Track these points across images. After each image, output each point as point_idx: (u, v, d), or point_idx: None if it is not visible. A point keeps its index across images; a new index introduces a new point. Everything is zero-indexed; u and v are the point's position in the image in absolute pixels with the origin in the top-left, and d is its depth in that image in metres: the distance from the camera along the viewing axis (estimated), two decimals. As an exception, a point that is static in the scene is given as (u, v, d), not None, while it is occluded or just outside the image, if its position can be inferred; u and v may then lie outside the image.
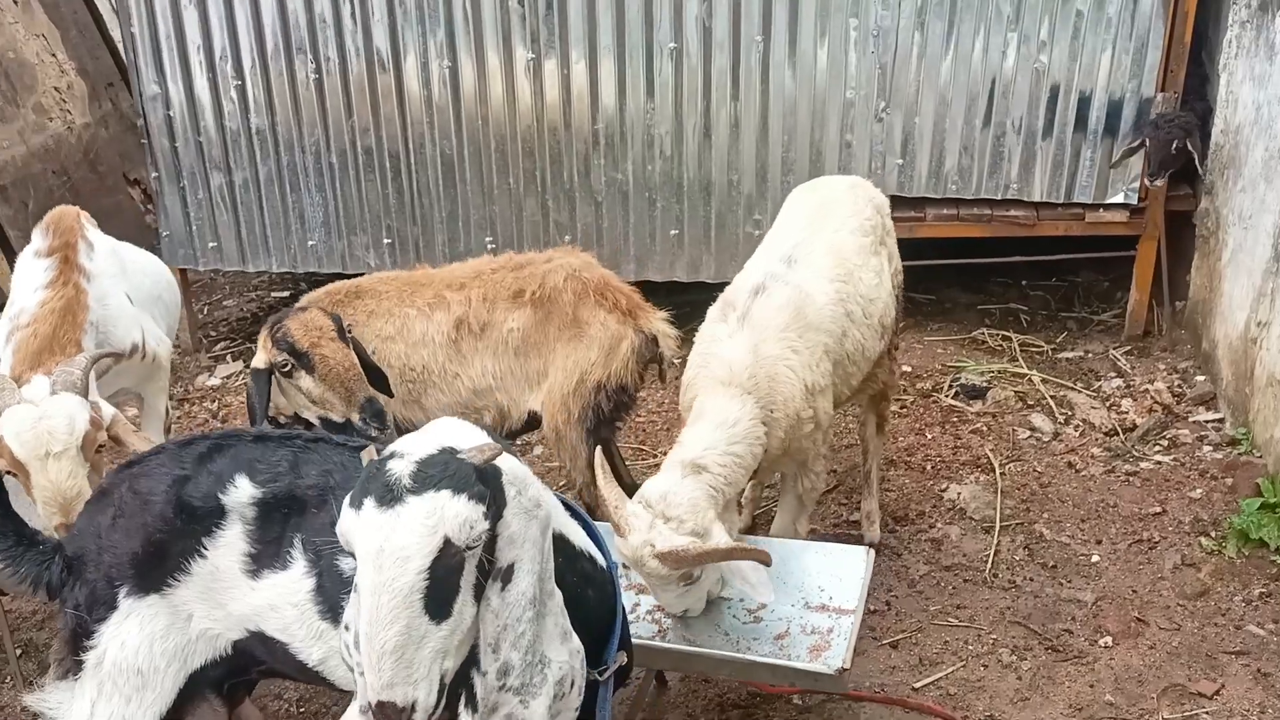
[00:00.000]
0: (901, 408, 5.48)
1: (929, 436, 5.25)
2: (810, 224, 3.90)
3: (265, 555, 2.49)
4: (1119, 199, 5.69)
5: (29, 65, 8.03)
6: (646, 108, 5.85)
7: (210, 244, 6.47)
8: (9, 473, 3.06)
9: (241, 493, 2.49)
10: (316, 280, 7.69)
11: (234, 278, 8.19)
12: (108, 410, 3.26)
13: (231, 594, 2.52)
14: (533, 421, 3.92)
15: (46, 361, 3.35)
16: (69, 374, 3.18)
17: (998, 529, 4.50)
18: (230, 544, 2.50)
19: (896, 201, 5.86)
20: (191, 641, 2.55)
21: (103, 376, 3.71)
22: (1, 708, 3.98)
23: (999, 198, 5.81)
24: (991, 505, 4.63)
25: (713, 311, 3.65)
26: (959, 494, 4.73)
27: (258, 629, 2.53)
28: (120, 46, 7.40)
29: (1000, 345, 6.03)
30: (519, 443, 5.45)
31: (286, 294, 7.87)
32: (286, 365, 3.44)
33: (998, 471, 4.85)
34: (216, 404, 6.14)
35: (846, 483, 4.94)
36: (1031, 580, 4.21)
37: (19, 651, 4.13)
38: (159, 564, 2.50)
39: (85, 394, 3.17)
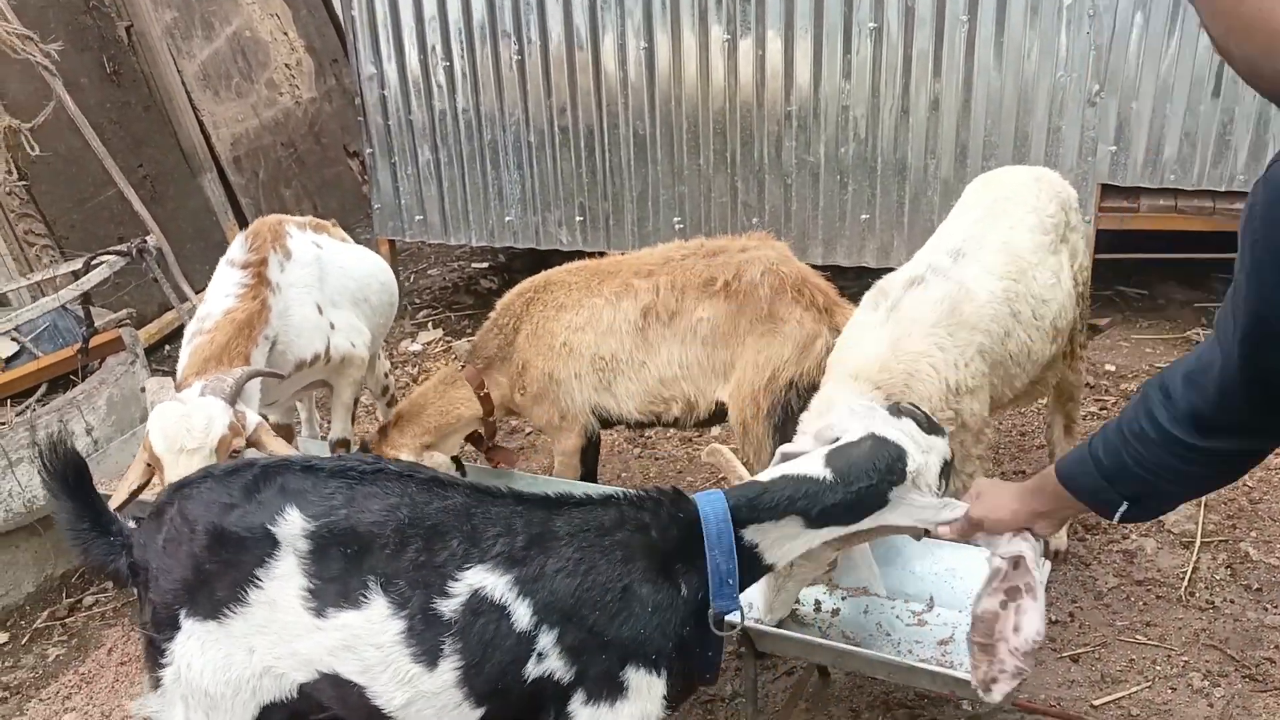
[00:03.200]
0: (1102, 409, 5.21)
1: (1128, 441, 4.96)
2: (985, 217, 3.73)
3: (328, 593, 2.37)
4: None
5: (263, 43, 8.66)
6: (842, 88, 5.74)
7: (417, 216, 6.81)
8: (150, 465, 3.25)
9: (293, 525, 2.37)
10: (513, 254, 8.02)
11: (439, 248, 8.60)
12: (252, 418, 3.38)
13: (295, 631, 2.40)
14: (721, 413, 3.92)
15: (213, 369, 3.47)
16: (221, 382, 3.33)
17: (1198, 545, 4.22)
18: (286, 577, 2.38)
19: (1108, 191, 5.58)
20: (256, 675, 2.44)
21: (289, 378, 3.91)
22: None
23: (1223, 189, 5.39)
24: (1193, 519, 4.34)
25: (867, 297, 3.52)
26: (1157, 505, 4.45)
27: (331, 671, 2.41)
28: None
29: (1216, 347, 5.60)
30: (700, 434, 5.53)
31: (486, 265, 8.21)
32: None
33: (1202, 483, 4.54)
34: (416, 369, 6.48)
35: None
36: (1232, 602, 3.93)
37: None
38: (211, 593, 2.42)
39: (233, 402, 3.31)
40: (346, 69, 9.15)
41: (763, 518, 2.51)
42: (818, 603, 3.48)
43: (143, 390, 4.40)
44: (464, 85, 6.38)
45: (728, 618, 2.51)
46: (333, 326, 4.04)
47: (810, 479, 2.54)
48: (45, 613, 4.61)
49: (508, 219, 6.63)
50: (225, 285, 3.78)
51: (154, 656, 2.53)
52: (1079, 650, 3.81)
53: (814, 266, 4.08)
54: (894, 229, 5.94)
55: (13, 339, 5.16)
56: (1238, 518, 4.36)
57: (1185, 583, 4.05)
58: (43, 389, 5.01)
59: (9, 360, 5.09)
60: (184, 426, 3.18)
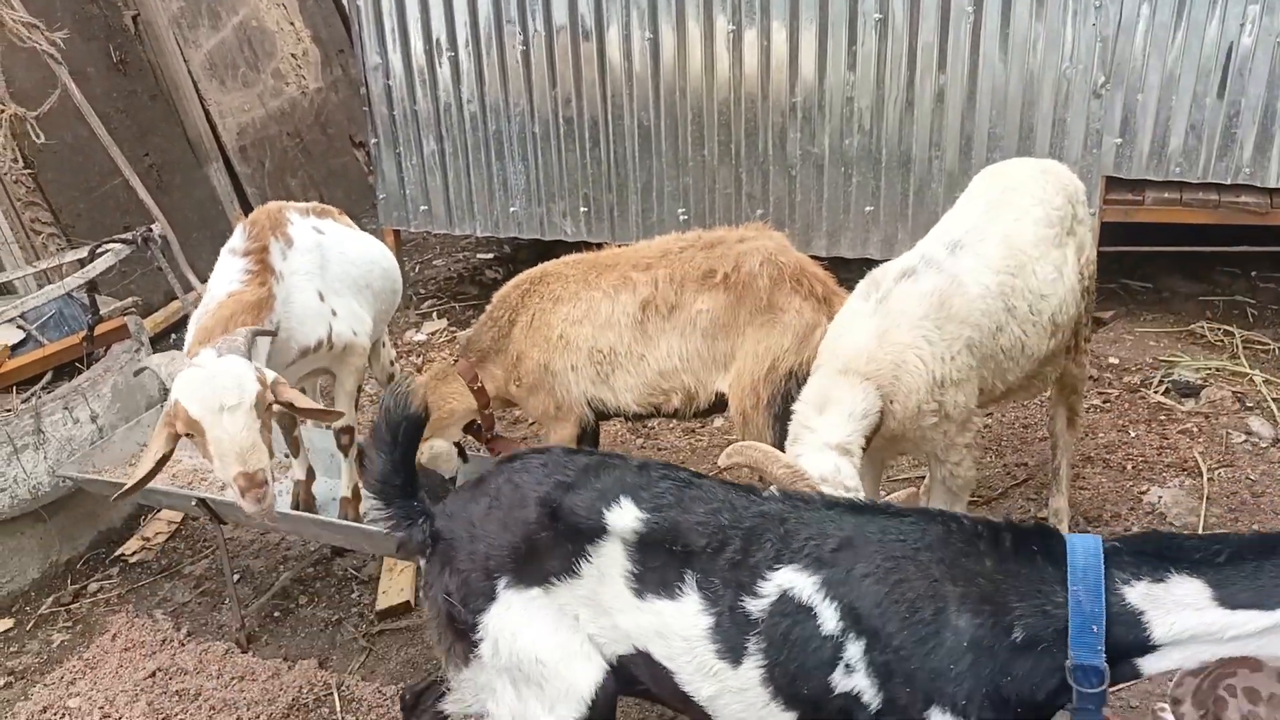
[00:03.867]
0: (1105, 402, 5.21)
1: (1132, 434, 4.97)
2: (989, 209, 3.72)
3: (649, 579, 2.44)
4: (1368, 187, 5.17)
5: (270, 33, 8.67)
6: (847, 79, 5.74)
7: (422, 207, 6.82)
8: (186, 435, 3.26)
9: (626, 514, 2.44)
10: (518, 245, 8.02)
11: (444, 239, 8.61)
12: (268, 373, 3.39)
13: (617, 604, 2.47)
14: (720, 403, 3.94)
15: (218, 340, 3.47)
16: (232, 341, 3.35)
17: (1199, 538, 4.22)
18: (612, 557, 2.46)
19: (1113, 183, 5.57)
20: (585, 641, 2.52)
21: (292, 364, 3.91)
22: (220, 626, 4.40)
23: (1228, 182, 5.37)
24: (1195, 512, 4.35)
25: (860, 286, 3.54)
26: (1160, 497, 4.46)
27: (645, 649, 2.48)
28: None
29: (1220, 340, 5.61)
30: (701, 424, 5.54)
31: (491, 256, 8.21)
32: None
33: (1205, 476, 4.54)
34: (420, 359, 6.50)
35: (1037, 477, 4.74)
36: None
37: (236, 577, 4.55)
38: (540, 561, 2.49)
39: (248, 359, 3.33)
40: (352, 59, 9.15)
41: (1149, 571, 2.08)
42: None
43: (139, 373, 4.39)
44: (469, 76, 6.38)
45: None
46: (334, 313, 4.02)
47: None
48: (50, 599, 4.64)
49: (512, 210, 6.64)
50: (229, 273, 3.77)
51: (459, 632, 2.57)
52: (1079, 642, 3.81)
53: (817, 258, 4.09)
54: (898, 221, 5.93)
55: (19, 326, 5.18)
56: (1240, 510, 4.36)
57: (1186, 576, 4.04)
58: (48, 376, 5.03)
59: (15, 347, 5.11)
60: (216, 387, 3.19)
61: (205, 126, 7.85)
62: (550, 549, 2.48)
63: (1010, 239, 3.62)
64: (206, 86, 7.93)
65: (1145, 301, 6.04)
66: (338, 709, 3.88)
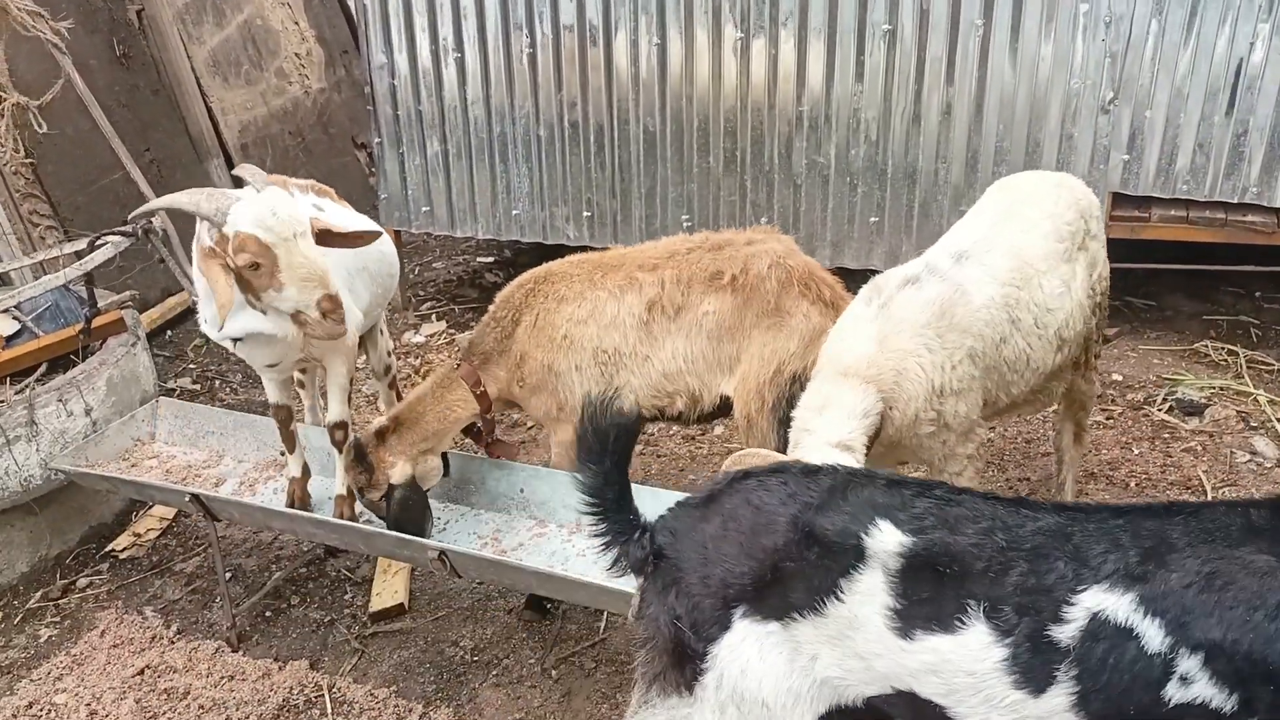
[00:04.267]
0: (1108, 418, 5.18)
1: (1135, 451, 4.93)
2: (998, 221, 3.69)
3: (917, 613, 2.22)
4: (1376, 209, 5.16)
5: (274, 32, 8.63)
6: (854, 90, 5.72)
7: (424, 208, 6.78)
8: (251, 266, 3.19)
9: (887, 539, 2.23)
10: (519, 249, 7.98)
11: (444, 241, 8.57)
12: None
13: (874, 649, 2.25)
14: (725, 407, 3.90)
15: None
16: (258, 176, 3.30)
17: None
18: (870, 593, 2.24)
19: (1119, 200, 5.56)
20: (815, 685, 2.31)
21: (286, 343, 3.79)
22: (210, 625, 4.34)
23: (1235, 201, 5.36)
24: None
25: (862, 291, 3.51)
26: (1162, 515, 4.42)
27: (908, 689, 2.27)
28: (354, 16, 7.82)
29: (1224, 360, 5.59)
30: (703, 431, 5.49)
31: (491, 259, 8.17)
32: None
33: (1209, 495, 4.51)
34: (419, 360, 6.45)
35: (1040, 492, 4.71)
36: None
37: (228, 575, 4.49)
38: (782, 593, 2.28)
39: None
40: (356, 60, 9.13)
41: None
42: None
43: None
44: (475, 77, 6.35)
45: None
46: None
47: None
48: (38, 593, 4.57)
49: (515, 213, 6.60)
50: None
51: (681, 658, 2.37)
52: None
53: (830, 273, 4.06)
54: (903, 233, 5.91)
55: (14, 318, 5.12)
56: (1244, 530, 4.32)
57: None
58: (42, 368, 4.98)
59: (9, 339, 5.05)
60: (283, 215, 3.20)
61: (207, 123, 7.81)
62: (796, 579, 2.27)
63: (1018, 251, 3.58)
64: (209, 83, 7.88)
65: (1149, 319, 6.02)
66: (329, 711, 3.82)
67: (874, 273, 5.75)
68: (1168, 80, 5.26)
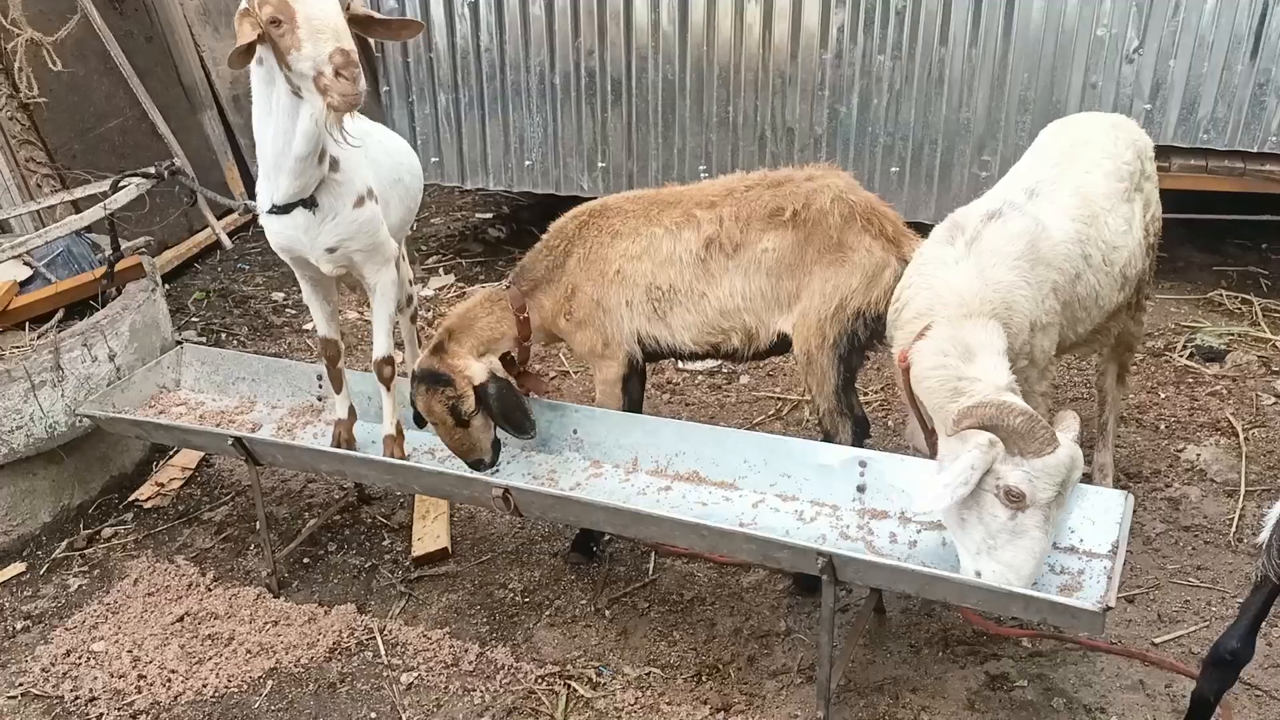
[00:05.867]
0: (1131, 365, 5.23)
1: (1162, 396, 5.00)
2: (1060, 162, 3.69)
3: None
4: (1393, 158, 5.25)
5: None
6: (879, 40, 5.69)
7: (433, 159, 6.66)
8: (273, 22, 3.10)
9: None
10: (518, 205, 7.89)
11: (440, 198, 8.46)
12: None
13: None
14: (782, 344, 3.87)
15: None
16: None
17: (1242, 493, 4.26)
18: None
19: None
20: None
21: (333, 249, 3.75)
22: (248, 572, 4.25)
23: (1255, 150, 5.43)
24: (1234, 469, 4.39)
25: (938, 232, 3.45)
26: (1198, 455, 4.49)
27: None
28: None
29: (1239, 309, 5.68)
30: (725, 369, 5.48)
31: (490, 215, 8.07)
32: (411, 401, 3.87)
33: (1241, 436, 4.59)
34: (431, 313, 6.35)
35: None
36: (1281, 548, 3.97)
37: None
38: None
39: None
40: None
41: None
42: (893, 534, 3.45)
43: None
44: (489, 23, 6.23)
45: None
46: (371, 192, 3.83)
47: None
48: (63, 543, 4.45)
49: (527, 164, 6.51)
50: None
51: None
52: (1133, 591, 3.82)
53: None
54: (925, 184, 5.91)
55: (25, 263, 4.95)
56: (1279, 468, 4.40)
57: (1233, 529, 4.08)
58: (59, 315, 4.83)
59: (23, 285, 4.89)
60: None
61: (200, 73, 7.60)
62: None
63: (1082, 190, 3.59)
64: (200, 32, 7.67)
65: (1161, 270, 6.06)
66: (382, 652, 3.76)
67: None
68: (1191, 30, 5.30)
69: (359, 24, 3.31)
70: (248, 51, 3.20)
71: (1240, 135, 5.41)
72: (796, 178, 3.80)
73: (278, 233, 3.72)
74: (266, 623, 3.97)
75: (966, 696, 3.41)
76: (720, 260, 3.77)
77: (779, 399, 5.26)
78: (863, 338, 3.70)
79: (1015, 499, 2.84)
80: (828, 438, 3.82)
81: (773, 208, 3.73)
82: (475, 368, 3.75)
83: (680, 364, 5.49)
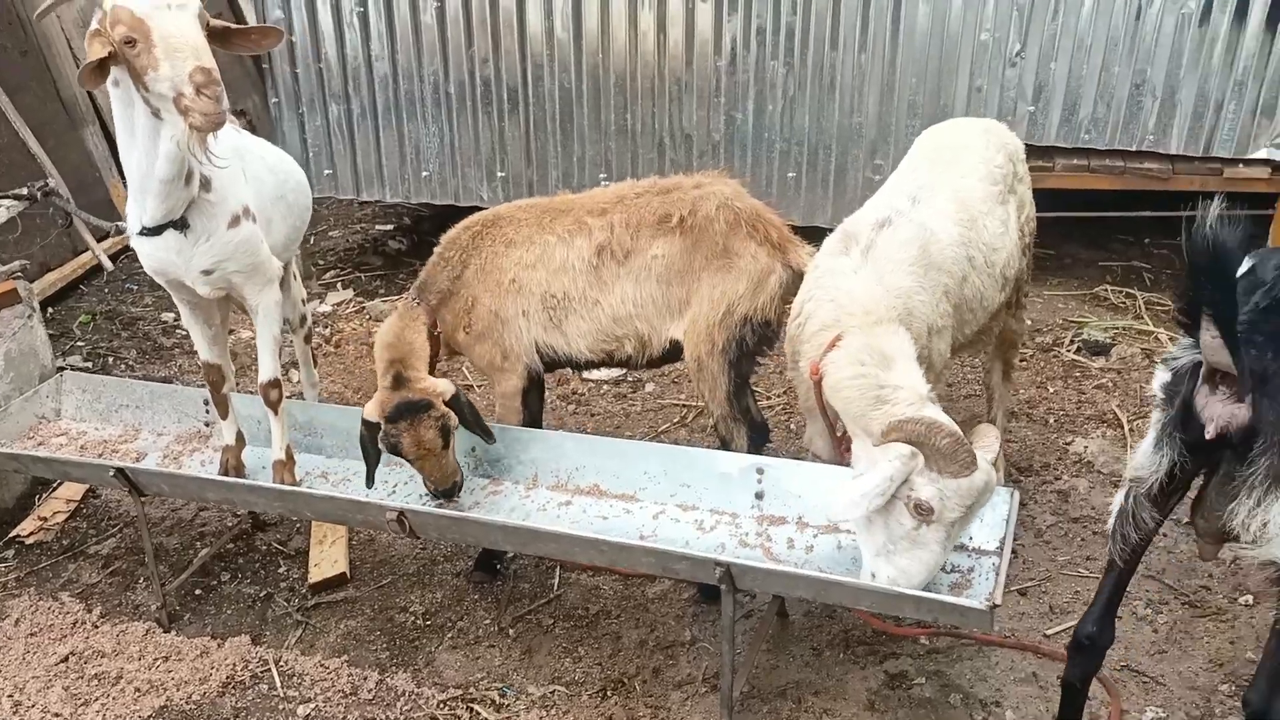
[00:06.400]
0: (1020, 361, 5.35)
1: (1051, 390, 5.14)
2: (935, 168, 3.77)
3: None
4: (1262, 154, 5.47)
5: (147, -7, 8.14)
6: (771, 48, 5.74)
7: (326, 171, 6.52)
8: (127, 42, 2.98)
9: None
10: (419, 216, 7.77)
11: (338, 210, 8.29)
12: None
13: None
14: (674, 352, 3.87)
15: None
16: None
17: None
18: None
19: (1026, 151, 5.73)
20: None
21: (209, 271, 3.63)
22: (136, 606, 4.10)
23: (1134, 149, 5.61)
24: (1120, 459, 4.52)
25: (830, 243, 3.47)
26: (1085, 447, 4.62)
27: None
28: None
29: (1123, 303, 5.86)
30: (631, 378, 5.47)
31: (390, 226, 7.94)
32: (391, 442, 3.65)
33: (1126, 427, 4.73)
34: (329, 329, 6.21)
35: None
36: (1165, 536, 4.10)
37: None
38: None
39: None
40: (232, 21, 8.71)
41: None
42: (790, 540, 3.47)
43: None
44: (379, 33, 6.12)
45: None
46: (248, 211, 3.69)
47: None
48: (-62, 585, 4.24)
49: (424, 175, 6.42)
50: None
51: None
52: (1025, 584, 3.91)
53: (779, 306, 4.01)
54: (820, 189, 5.98)
55: (-113, 291, 4.70)
56: (1161, 458, 4.55)
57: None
58: (-74, 345, 4.59)
59: (-115, 314, 4.63)
60: None
61: (80, 87, 7.32)
62: None
63: (960, 194, 3.67)
64: (80, 45, 7.38)
65: (1049, 267, 6.27)
66: (278, 684, 3.66)
67: (794, 228, 5.85)
68: (1070, 33, 5.46)
69: (216, 38, 3.19)
70: (99, 70, 3.06)
71: (1120, 135, 5.59)
72: (685, 185, 3.82)
73: (149, 255, 3.60)
74: (156, 659, 3.82)
75: (867, 697, 3.44)
76: (612, 267, 3.77)
77: (684, 406, 5.26)
78: (751, 343, 3.73)
79: (924, 512, 2.88)
80: (724, 444, 3.83)
81: (661, 214, 3.74)
82: (441, 384, 3.66)
83: (583, 374, 5.46)
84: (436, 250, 3.92)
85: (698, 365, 3.77)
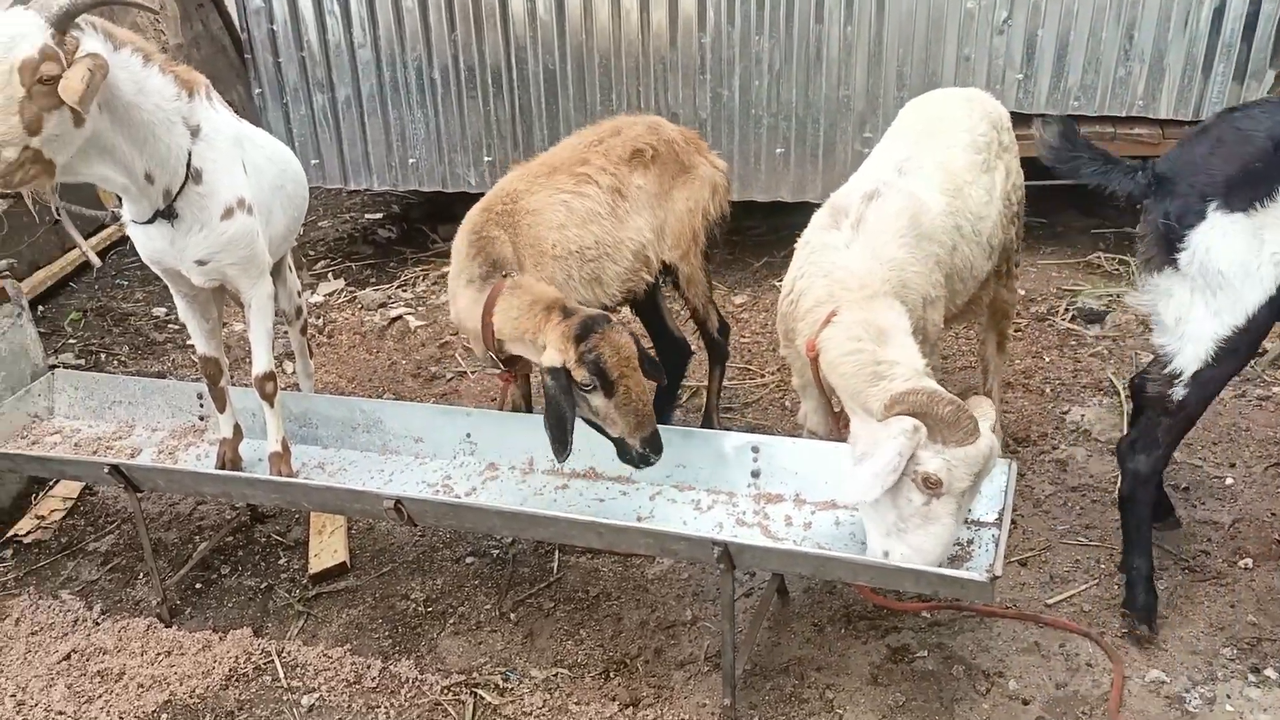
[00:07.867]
0: (1015, 331, 5.35)
1: (1046, 360, 5.13)
2: (920, 139, 3.75)
3: None
4: (1252, 116, 5.44)
5: (126, -15, 8.07)
6: (756, 22, 5.70)
7: (312, 161, 6.48)
8: None
9: None
10: (408, 203, 7.74)
11: (327, 200, 8.25)
12: (90, 44, 2.97)
13: None
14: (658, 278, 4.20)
15: None
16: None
17: (1125, 451, 4.38)
18: None
19: (1014, 119, 5.68)
20: (1264, 265, 2.99)
21: (204, 262, 3.56)
22: (137, 602, 4.09)
23: (1123, 115, 5.59)
24: (1117, 427, 4.52)
25: (820, 218, 3.45)
26: (1082, 416, 4.62)
27: None
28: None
29: (1117, 269, 5.85)
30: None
31: (380, 215, 7.90)
32: (590, 385, 3.29)
33: (1123, 395, 4.73)
34: (321, 319, 6.19)
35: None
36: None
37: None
38: (1249, 188, 2.96)
39: (62, 26, 2.89)
40: (214, 15, 8.63)
41: None
42: (788, 517, 3.47)
43: None
44: (361, 19, 6.07)
45: None
46: (243, 202, 3.62)
47: None
48: (-64, 587, 4.23)
49: (411, 162, 6.38)
50: None
51: (1168, 245, 3.10)
52: (1025, 555, 3.91)
53: (729, 203, 4.33)
54: (809, 164, 5.95)
55: (-125, 294, 4.67)
56: (1158, 424, 4.55)
57: (1118, 487, 4.20)
58: (-85, 347, 4.57)
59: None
60: None
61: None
62: (1262, 177, 2.95)
63: (945, 164, 3.65)
64: (60, 39, 7.32)
65: (1043, 236, 6.25)
66: (281, 675, 3.66)
67: (781, 205, 5.82)
68: None
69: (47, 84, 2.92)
70: None
71: (1109, 100, 5.56)
72: (626, 124, 4.15)
73: (144, 244, 3.60)
74: (159, 654, 3.82)
75: (869, 671, 3.45)
76: (624, 205, 3.96)
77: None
78: (717, 237, 4.26)
79: (932, 485, 2.86)
80: (702, 325, 4.36)
81: (631, 150, 4.00)
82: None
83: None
84: (468, 239, 3.72)
85: (690, 273, 4.17)
